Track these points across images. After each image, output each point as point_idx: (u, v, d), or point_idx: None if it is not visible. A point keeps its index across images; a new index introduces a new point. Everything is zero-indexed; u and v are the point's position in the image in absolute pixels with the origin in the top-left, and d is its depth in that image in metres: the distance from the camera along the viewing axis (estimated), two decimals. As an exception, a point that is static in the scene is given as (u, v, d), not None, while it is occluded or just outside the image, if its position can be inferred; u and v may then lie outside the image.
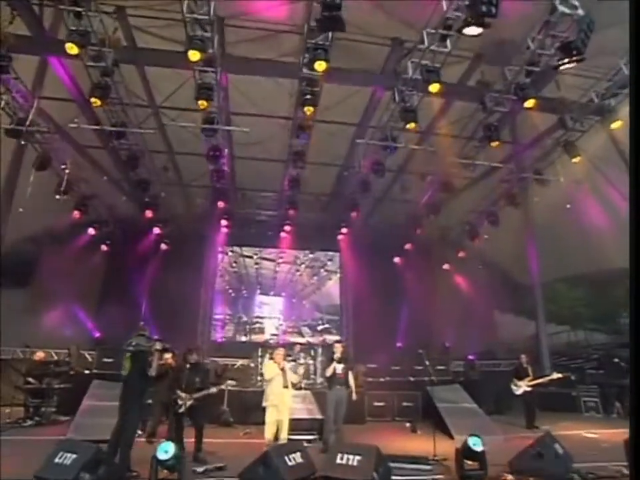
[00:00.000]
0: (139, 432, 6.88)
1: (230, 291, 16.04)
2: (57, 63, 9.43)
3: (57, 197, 10.40)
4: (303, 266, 16.68)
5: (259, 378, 10.07)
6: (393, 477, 4.86)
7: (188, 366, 6.25)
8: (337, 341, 8.33)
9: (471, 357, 12.76)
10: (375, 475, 4.38)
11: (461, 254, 15.34)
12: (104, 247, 14.26)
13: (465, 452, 5.08)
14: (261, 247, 16.23)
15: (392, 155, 10.57)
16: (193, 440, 5.93)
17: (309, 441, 7.18)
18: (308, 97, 8.72)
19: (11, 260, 11.14)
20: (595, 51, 7.19)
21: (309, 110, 8.76)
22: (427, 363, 8.02)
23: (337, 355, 6.92)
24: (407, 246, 15.68)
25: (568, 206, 11.05)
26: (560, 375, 9.13)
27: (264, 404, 6.39)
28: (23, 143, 9.33)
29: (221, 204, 12.89)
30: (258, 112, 10.98)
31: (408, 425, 9.00)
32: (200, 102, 8.29)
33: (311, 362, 10.70)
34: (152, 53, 9.57)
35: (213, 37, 7.61)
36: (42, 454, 4.53)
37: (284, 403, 6.33)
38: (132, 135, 10.31)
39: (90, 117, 10.34)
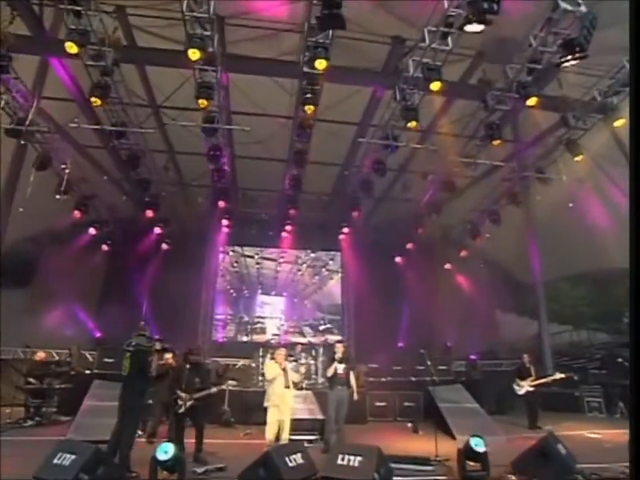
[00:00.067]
0: (140, 432, 6.88)
1: (231, 290, 16.02)
2: (58, 63, 9.43)
3: (57, 196, 10.36)
4: (305, 265, 16.65)
5: (260, 378, 10.04)
6: (395, 478, 4.82)
7: (188, 366, 6.22)
8: (338, 341, 8.29)
9: (472, 357, 12.71)
10: (376, 476, 4.34)
11: (462, 253, 15.28)
12: (105, 247, 14.25)
13: (467, 452, 5.04)
14: (262, 247, 16.20)
15: (393, 153, 10.51)
16: (193, 440, 5.90)
17: (310, 441, 7.16)
18: (308, 95, 8.68)
19: (12, 260, 11.15)
20: (597, 49, 7.14)
21: (309, 109, 8.72)
22: (429, 362, 7.97)
23: (338, 355, 6.89)
24: (409, 245, 15.63)
25: (570, 205, 10.98)
26: (563, 375, 9.08)
27: (265, 404, 6.37)
28: (22, 142, 9.30)
29: (221, 203, 12.85)
30: (259, 111, 10.94)
31: (409, 425, 8.97)
32: (200, 101, 8.26)
33: (312, 362, 10.67)
34: (152, 52, 9.55)
35: (212, 36, 7.58)
36: (42, 454, 4.51)
37: (285, 403, 6.31)
38: (132, 134, 10.28)
39: (90, 116, 10.33)
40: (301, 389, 9.12)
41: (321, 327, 15.97)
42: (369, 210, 14.92)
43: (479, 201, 13.62)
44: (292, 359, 9.10)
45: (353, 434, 7.28)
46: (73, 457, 4.31)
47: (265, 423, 6.27)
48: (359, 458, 4.47)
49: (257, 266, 16.36)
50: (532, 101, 8.52)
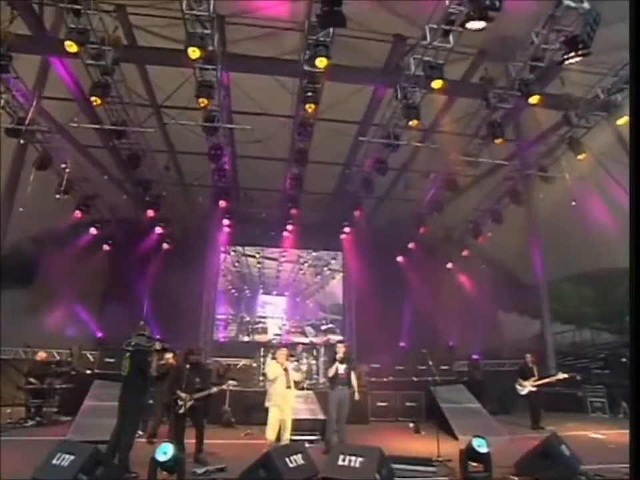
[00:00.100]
0: (140, 432, 6.86)
1: (232, 290, 15.99)
2: (58, 63, 9.42)
3: (57, 196, 10.34)
4: (306, 265, 16.60)
5: (261, 378, 10.02)
6: (396, 479, 4.78)
7: (188, 366, 6.18)
8: (340, 341, 8.27)
9: (475, 357, 12.67)
10: (378, 477, 4.31)
11: (464, 253, 15.23)
12: (106, 247, 14.25)
13: (470, 453, 5.00)
14: (264, 247, 16.17)
15: (394, 152, 10.46)
16: (193, 441, 5.87)
17: (311, 441, 7.13)
18: (309, 94, 8.64)
19: (14, 260, 11.16)
20: (600, 47, 7.06)
21: (310, 107, 8.68)
22: (431, 362, 7.92)
23: (340, 355, 6.85)
24: (410, 245, 15.57)
25: (573, 203, 10.89)
26: (566, 375, 9.02)
27: (267, 404, 6.34)
28: (22, 142, 9.29)
29: (222, 203, 12.83)
30: (260, 110, 10.91)
31: (411, 425, 8.93)
32: (200, 100, 8.23)
33: (313, 362, 10.64)
34: (152, 51, 9.53)
35: (213, 35, 7.54)
36: (43, 454, 4.51)
37: (287, 403, 6.30)
38: (133, 134, 10.26)
39: (91, 116, 10.32)
40: (302, 388, 9.09)
41: (323, 327, 15.92)
42: (370, 209, 14.89)
43: (481, 200, 13.55)
44: (293, 359, 9.07)
45: (355, 434, 7.24)
46: (72, 457, 4.30)
47: (265, 423, 6.24)
48: (360, 459, 4.44)
49: (259, 265, 16.32)
50: (534, 99, 8.43)
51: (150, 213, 12.75)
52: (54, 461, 4.31)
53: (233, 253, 16.22)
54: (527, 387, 8.94)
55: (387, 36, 9.64)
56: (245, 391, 9.59)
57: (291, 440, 6.22)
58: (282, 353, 6.56)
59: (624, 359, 10.90)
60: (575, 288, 15.47)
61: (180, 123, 10.32)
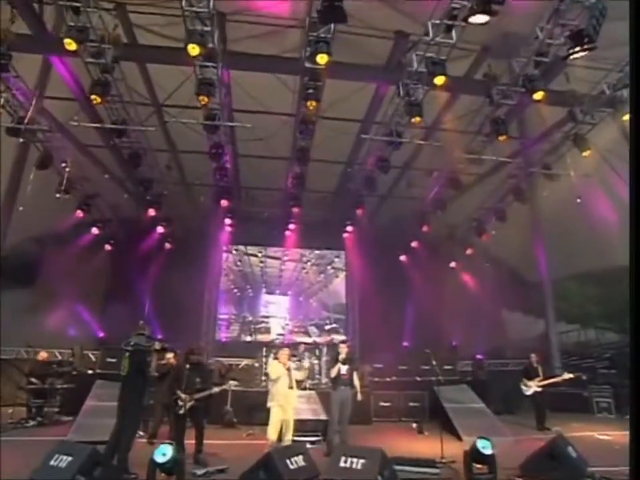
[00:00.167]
0: (141, 433, 6.82)
1: (235, 290, 15.94)
2: (59, 62, 9.39)
3: (57, 195, 10.32)
4: (309, 263, 16.51)
5: (263, 378, 9.97)
6: (399, 481, 4.71)
7: (188, 366, 6.13)
8: (342, 341, 8.20)
9: (478, 356, 12.58)
10: (380, 479, 4.23)
11: (468, 251, 15.11)
12: (108, 247, 14.25)
13: (474, 455, 4.92)
14: (266, 246, 16.10)
15: (396, 150, 10.37)
16: (194, 441, 5.82)
17: (313, 442, 7.08)
18: (310, 91, 8.56)
19: (15, 260, 11.15)
20: (605, 43, 6.94)
21: (311, 105, 8.60)
22: (434, 362, 7.83)
23: (342, 356, 6.78)
24: (413, 244, 15.47)
25: (579, 200, 10.75)
26: (571, 375, 8.90)
27: (269, 404, 6.29)
28: (21, 141, 9.26)
29: (224, 202, 12.78)
30: (261, 109, 10.85)
31: (414, 425, 8.86)
32: (200, 97, 8.16)
33: (315, 362, 10.58)
34: (152, 49, 9.47)
35: (213, 32, 7.47)
36: (43, 455, 4.47)
37: (289, 403, 6.26)
38: (134, 132, 10.22)
39: (92, 115, 10.28)
40: (305, 388, 9.03)
41: (327, 327, 15.83)
42: (373, 208, 14.80)
43: (484, 198, 13.43)
44: (295, 358, 9.00)
45: (357, 434, 7.18)
46: (70, 458, 4.26)
47: (267, 424, 6.18)
48: (361, 460, 4.36)
49: (261, 265, 16.26)
50: (538, 95, 8.32)
51: (151, 212, 12.72)
52: (52, 462, 4.27)
53: (235, 252, 16.16)
54: (532, 387, 8.85)
55: (389, 33, 9.54)
56: (247, 391, 9.56)
57: (293, 441, 6.16)
58: (284, 352, 6.53)
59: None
60: (580, 286, 15.31)
61: (180, 121, 10.27)
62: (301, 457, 4.71)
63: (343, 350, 6.85)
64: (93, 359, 11.03)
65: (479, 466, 4.95)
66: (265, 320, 15.70)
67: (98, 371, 9.77)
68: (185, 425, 5.94)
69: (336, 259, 16.57)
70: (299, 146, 10.71)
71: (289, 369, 6.31)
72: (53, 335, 11.41)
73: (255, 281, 16.15)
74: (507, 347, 14.78)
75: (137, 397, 5.24)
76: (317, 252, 16.53)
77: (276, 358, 6.74)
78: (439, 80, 7.87)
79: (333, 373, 6.76)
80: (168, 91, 10.43)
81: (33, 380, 8.72)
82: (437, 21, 7.52)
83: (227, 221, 14.26)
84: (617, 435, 7.80)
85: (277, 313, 15.88)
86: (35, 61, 9.53)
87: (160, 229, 13.94)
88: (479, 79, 9.66)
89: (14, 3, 8.00)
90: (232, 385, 7.38)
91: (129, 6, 9.05)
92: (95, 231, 13.23)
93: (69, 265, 12.18)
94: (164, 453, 4.30)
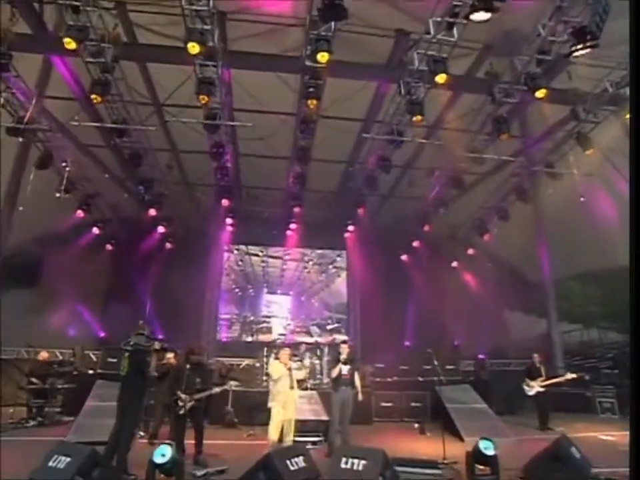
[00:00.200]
0: (141, 433, 6.79)
1: (236, 289, 15.91)
2: (59, 61, 9.37)
3: (57, 195, 10.30)
4: (311, 263, 16.46)
5: (264, 378, 9.92)
6: (400, 482, 4.66)
7: (188, 366, 6.09)
8: (343, 342, 8.14)
9: (480, 356, 12.50)
10: (381, 480, 4.18)
11: (470, 251, 15.05)
12: (108, 247, 14.24)
13: (476, 456, 4.86)
14: (267, 245, 16.07)
15: (398, 149, 10.32)
16: (194, 442, 5.79)
17: (314, 442, 7.03)
18: (311, 89, 8.53)
19: (16, 260, 11.14)
20: (607, 41, 6.88)
21: (312, 103, 8.56)
22: (436, 362, 7.79)
23: (343, 357, 6.73)
24: (415, 243, 15.44)
25: (582, 199, 10.68)
26: (574, 375, 8.85)
27: (270, 404, 6.25)
28: (21, 140, 9.25)
29: (225, 202, 12.76)
30: (261, 108, 10.81)
31: (416, 426, 8.80)
32: (201, 97, 8.13)
33: (316, 362, 10.53)
34: (153, 49, 9.44)
35: (213, 30, 7.44)
36: (43, 455, 4.42)
37: (290, 403, 6.21)
38: (134, 132, 10.20)
39: (92, 115, 10.26)
40: (306, 388, 8.99)
41: (329, 327, 15.78)
42: (374, 207, 14.74)
43: (486, 197, 13.37)
44: (296, 358, 8.97)
45: (359, 435, 7.12)
46: (68, 459, 4.22)
47: (268, 424, 6.14)
48: (363, 461, 4.30)
49: (262, 264, 16.22)
50: (541, 93, 8.26)
51: (152, 212, 12.71)
52: (50, 463, 4.23)
53: (236, 252, 16.13)
54: (534, 388, 8.79)
55: (390, 31, 9.49)
56: (247, 391, 9.52)
57: (294, 441, 6.12)
58: (285, 352, 6.50)
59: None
60: (582, 286, 15.24)
61: (181, 120, 10.23)
62: (301, 457, 4.66)
63: (344, 350, 6.80)
64: (94, 359, 11.00)
65: (481, 467, 4.88)
66: (267, 320, 15.66)
67: (99, 371, 9.75)
68: (185, 426, 5.90)
69: (338, 258, 16.51)
70: (300, 145, 10.68)
71: (290, 369, 6.28)
72: (54, 335, 11.41)
73: (256, 281, 16.11)
74: (509, 347, 14.70)
75: (137, 397, 5.21)
76: (318, 251, 16.48)
77: (277, 358, 6.70)
78: (441, 78, 7.82)
79: (334, 373, 6.71)
80: (168, 90, 10.40)
81: (34, 380, 8.70)
82: (438, 19, 7.48)
83: (228, 220, 14.24)
84: (620, 436, 7.72)
85: (278, 313, 15.84)
86: (36, 61, 9.51)
87: (161, 229, 13.93)
88: (481, 77, 9.61)
89: (14, 2, 8.00)
90: (233, 385, 7.34)
91: (129, 5, 9.02)
92: (95, 230, 13.25)
93: (69, 265, 12.17)
94: (163, 453, 4.27)
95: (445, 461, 5.65)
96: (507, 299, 14.99)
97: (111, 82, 8.47)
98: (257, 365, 10.82)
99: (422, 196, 13.48)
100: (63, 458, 4.23)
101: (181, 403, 5.77)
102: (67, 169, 10.35)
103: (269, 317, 15.73)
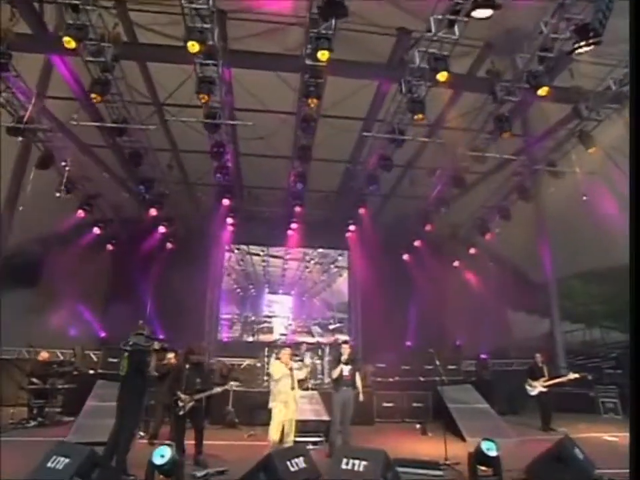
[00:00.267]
0: (142, 433, 6.76)
1: (237, 289, 15.88)
2: (59, 61, 9.36)
3: (58, 195, 10.28)
4: (312, 262, 16.42)
5: (265, 378, 9.90)
6: (402, 483, 4.62)
7: (188, 366, 6.06)
8: (344, 342, 8.10)
9: (482, 356, 12.46)
10: (382, 481, 4.14)
11: (471, 250, 14.99)
12: (109, 247, 14.21)
13: (478, 456, 4.82)
14: (268, 245, 16.03)
15: (399, 148, 10.27)
16: (194, 442, 5.76)
17: (315, 443, 7.00)
18: (311, 88, 8.49)
19: (16, 260, 11.14)
20: (610, 39, 6.81)
21: (312, 102, 8.52)
22: (438, 362, 7.75)
23: (344, 357, 6.70)
24: (416, 243, 15.38)
25: (585, 197, 10.61)
26: (577, 375, 8.79)
27: (271, 404, 6.22)
28: (20, 140, 9.23)
29: (226, 201, 12.74)
30: (262, 107, 10.78)
31: (418, 426, 8.77)
32: (201, 96, 8.10)
33: (318, 362, 10.50)
34: (153, 48, 9.41)
35: (213, 29, 7.41)
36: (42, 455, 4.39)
37: (292, 402, 6.18)
38: (135, 132, 10.17)
39: (93, 114, 10.24)
40: (307, 389, 8.96)
41: (331, 326, 15.74)
42: (375, 207, 14.70)
43: (488, 196, 13.30)
44: (297, 358, 8.95)
45: (360, 435, 7.10)
46: (67, 460, 4.18)
47: (269, 424, 6.11)
48: (364, 462, 4.27)
49: (263, 264, 16.18)
50: (543, 91, 8.19)
51: (153, 211, 12.68)
52: (49, 464, 4.20)
53: (237, 252, 16.11)
54: (537, 388, 8.74)
55: (391, 29, 9.43)
56: (248, 391, 9.50)
57: (295, 441, 6.08)
58: (285, 352, 6.47)
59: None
60: (584, 285, 15.17)
61: (181, 120, 10.21)
62: (301, 458, 4.64)
63: (345, 350, 6.78)
64: (95, 359, 10.99)
65: (483, 468, 4.85)
66: (268, 320, 15.63)
67: (99, 371, 9.74)
68: (185, 426, 5.88)
69: (339, 257, 16.47)
70: (301, 144, 10.64)
71: (291, 369, 6.26)
72: (54, 335, 11.40)
73: (257, 281, 16.08)
74: (511, 347, 14.64)
75: (136, 397, 5.19)
76: (320, 250, 16.43)
77: (278, 358, 6.67)
78: (442, 76, 7.77)
79: (335, 373, 6.68)
80: (168, 89, 10.37)
81: (34, 380, 8.70)
82: (440, 17, 7.43)
83: (229, 220, 14.20)
84: (623, 437, 7.66)
85: (280, 313, 15.80)
86: (36, 61, 9.49)
87: (161, 229, 13.90)
88: (482, 75, 9.55)
89: (14, 2, 7.98)
90: (233, 385, 7.32)
91: (128, 4, 8.98)
92: (96, 230, 13.23)
93: (70, 265, 12.15)
94: (162, 454, 4.23)
95: (447, 462, 5.62)
96: (508, 299, 14.93)
97: (111, 81, 8.44)
98: (258, 365, 10.79)
99: (423, 195, 13.42)
100: (62, 459, 4.20)
101: (181, 404, 5.75)
102: (67, 168, 10.32)
103: (270, 316, 15.69)
